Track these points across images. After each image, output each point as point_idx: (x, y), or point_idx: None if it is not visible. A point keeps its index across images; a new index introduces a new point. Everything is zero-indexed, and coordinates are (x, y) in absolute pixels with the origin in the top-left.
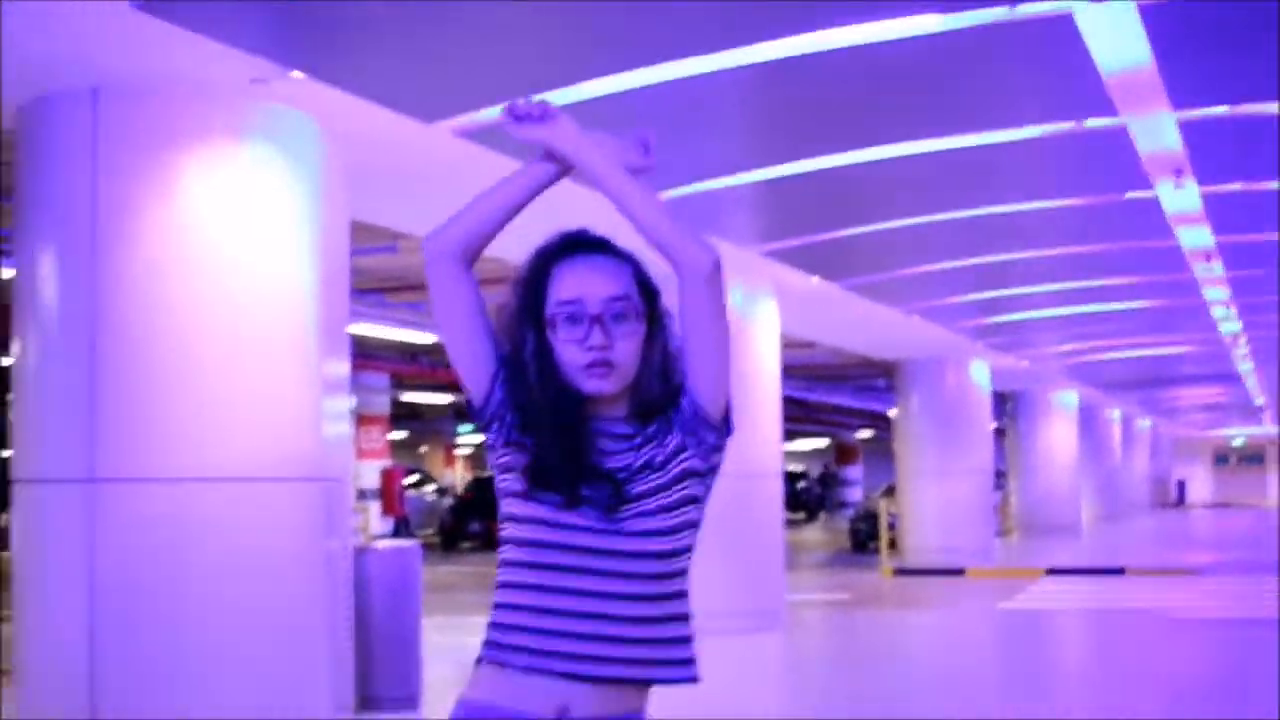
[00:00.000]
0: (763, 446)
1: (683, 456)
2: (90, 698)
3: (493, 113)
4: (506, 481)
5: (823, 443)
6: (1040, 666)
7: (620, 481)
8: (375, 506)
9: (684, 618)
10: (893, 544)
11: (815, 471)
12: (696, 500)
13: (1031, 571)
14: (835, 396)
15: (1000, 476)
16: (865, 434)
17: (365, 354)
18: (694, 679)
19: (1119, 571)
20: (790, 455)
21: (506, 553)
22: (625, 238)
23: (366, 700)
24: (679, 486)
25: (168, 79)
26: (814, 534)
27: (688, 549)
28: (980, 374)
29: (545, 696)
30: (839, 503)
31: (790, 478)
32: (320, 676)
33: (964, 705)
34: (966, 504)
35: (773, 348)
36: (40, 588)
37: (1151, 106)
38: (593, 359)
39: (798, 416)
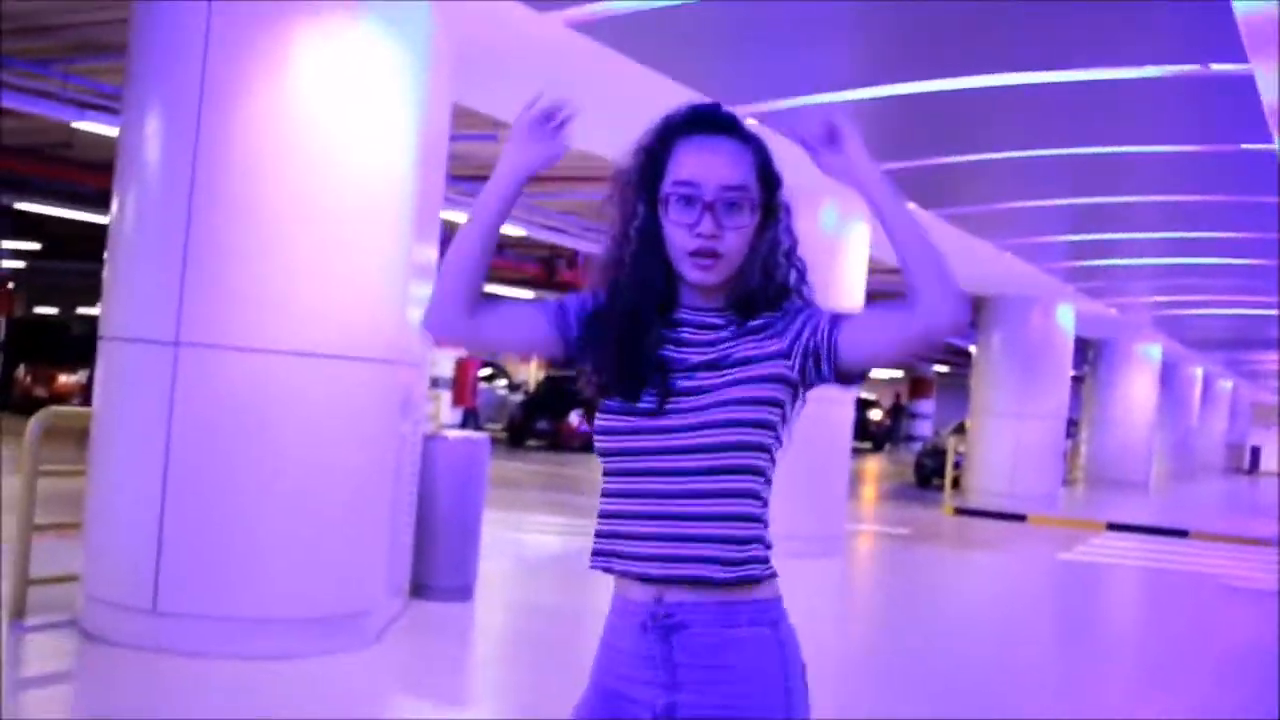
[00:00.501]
0: None
1: (781, 362)
2: (155, 587)
3: (607, 5)
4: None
5: (899, 374)
6: (1088, 621)
7: (669, 371)
8: (447, 396)
9: (749, 518)
10: (956, 482)
11: (887, 402)
12: (777, 404)
13: (1093, 524)
14: None
15: (1073, 425)
16: (942, 369)
17: None
18: (757, 578)
19: (1183, 534)
20: (865, 384)
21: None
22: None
23: (420, 587)
24: (759, 384)
25: None
26: (879, 465)
27: (753, 446)
28: (1066, 318)
29: (641, 590)
30: (907, 435)
31: (861, 406)
32: (378, 560)
33: (1004, 649)
34: (1036, 449)
35: (860, 272)
36: (118, 450)
37: None
38: (699, 246)
39: None
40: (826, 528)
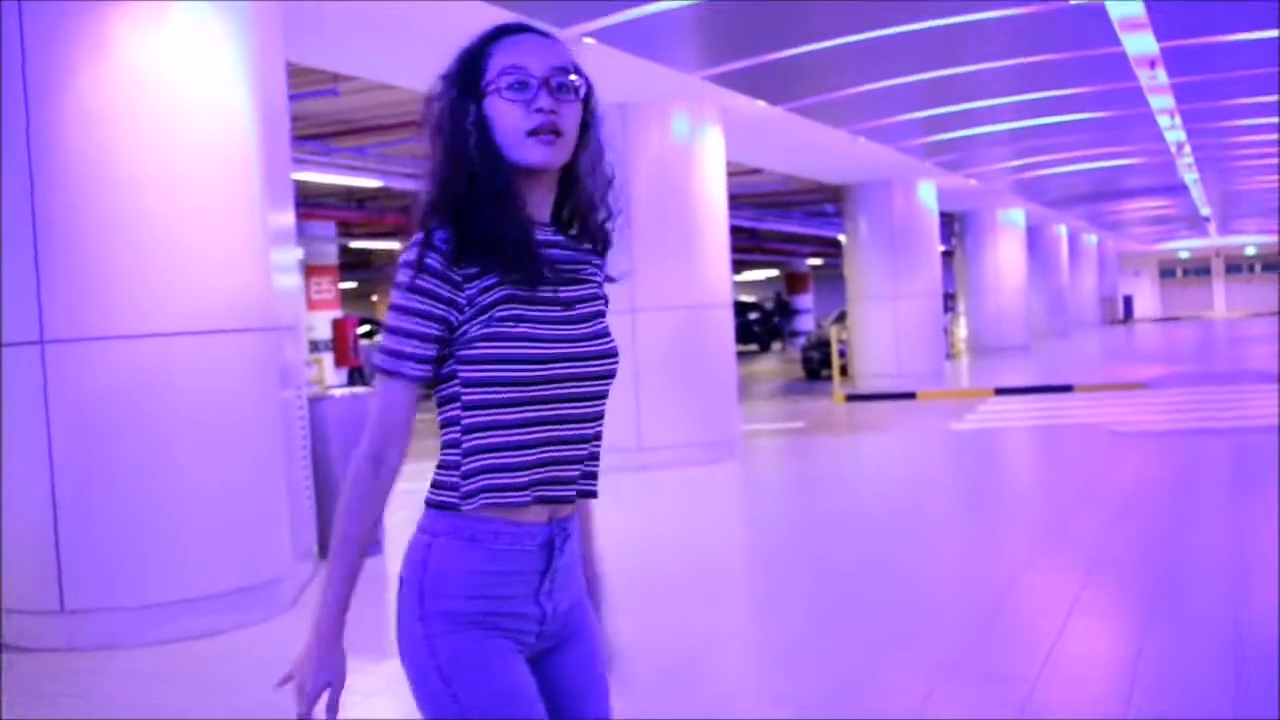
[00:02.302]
0: (712, 278)
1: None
2: (59, 586)
3: None
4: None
5: (774, 273)
6: (984, 484)
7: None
8: (329, 358)
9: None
10: (844, 370)
11: (770, 304)
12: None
13: (981, 392)
14: (784, 224)
15: (950, 299)
16: (816, 262)
17: (310, 203)
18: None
19: (1067, 389)
20: (741, 286)
21: (474, 396)
22: None
23: (328, 548)
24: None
25: None
26: (768, 365)
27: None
28: (928, 195)
29: (538, 512)
30: (792, 333)
31: (740, 309)
32: (281, 526)
33: (910, 523)
34: (916, 327)
35: (719, 177)
36: (2, 455)
37: None
38: (540, 121)
39: (747, 246)
40: (719, 433)
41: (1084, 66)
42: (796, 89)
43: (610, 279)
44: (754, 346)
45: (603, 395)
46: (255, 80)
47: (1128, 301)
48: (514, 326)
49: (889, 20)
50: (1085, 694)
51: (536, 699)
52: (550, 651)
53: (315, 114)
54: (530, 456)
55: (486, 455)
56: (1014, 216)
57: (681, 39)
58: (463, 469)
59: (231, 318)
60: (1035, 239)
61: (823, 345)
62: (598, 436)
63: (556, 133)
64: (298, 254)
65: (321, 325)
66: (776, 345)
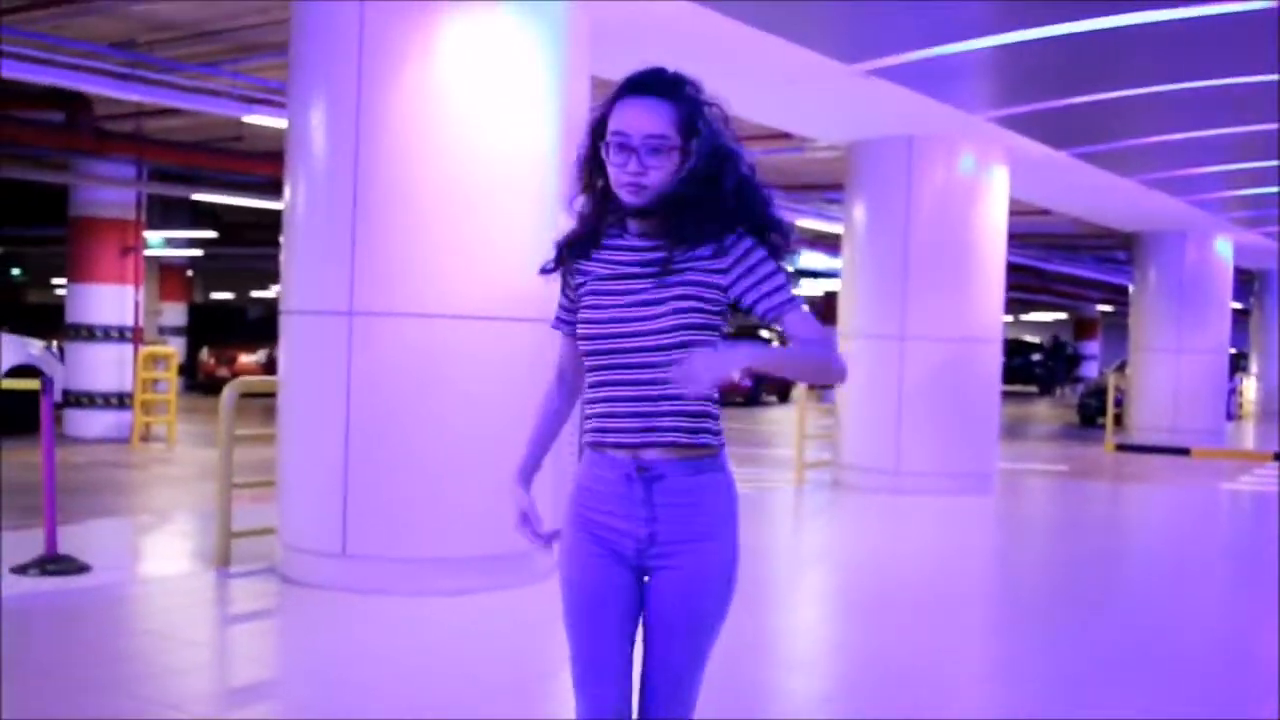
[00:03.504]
0: (984, 313)
1: (708, 278)
2: (343, 532)
3: None
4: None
5: (1063, 316)
6: (1244, 541)
7: (625, 278)
8: None
9: (708, 399)
10: (1118, 420)
11: (1048, 345)
12: (717, 309)
13: (1260, 455)
14: (1072, 267)
15: (1242, 358)
16: (1106, 308)
17: None
18: (709, 445)
19: None
20: (1027, 326)
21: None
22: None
23: None
24: (686, 292)
25: None
26: (1044, 408)
27: (690, 342)
28: (1224, 250)
29: (622, 459)
30: (1075, 378)
31: (1023, 349)
32: (543, 500)
33: (1155, 571)
34: (1198, 383)
35: (1001, 215)
36: (302, 413)
37: None
38: (629, 180)
39: (1033, 286)
40: (977, 465)
41: None
42: (1084, 135)
43: (713, 271)
44: (1034, 388)
45: (648, 365)
46: (561, 90)
47: None
48: (586, 309)
49: (1190, 75)
50: None
51: (592, 595)
52: (652, 571)
53: None
54: (600, 407)
55: (587, 403)
56: None
57: (966, 80)
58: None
59: (517, 308)
60: None
61: (1101, 393)
62: (663, 397)
63: (641, 187)
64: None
65: None
66: (1060, 390)
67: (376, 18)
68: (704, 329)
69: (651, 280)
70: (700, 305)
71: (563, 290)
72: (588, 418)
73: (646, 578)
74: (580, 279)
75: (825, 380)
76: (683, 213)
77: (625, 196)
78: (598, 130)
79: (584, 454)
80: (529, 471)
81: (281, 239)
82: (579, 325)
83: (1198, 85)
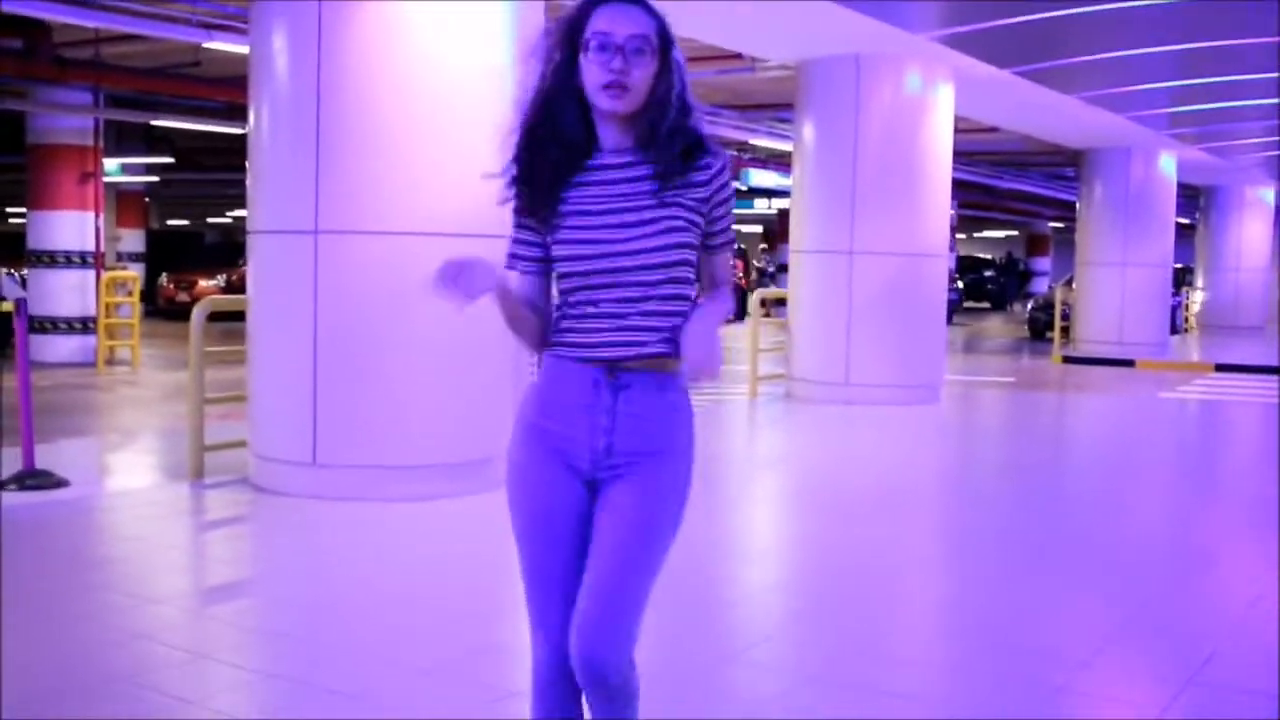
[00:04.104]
0: (930, 229)
1: (691, 198)
2: (314, 442)
3: None
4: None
5: (1014, 233)
6: (1174, 447)
7: (611, 200)
8: None
9: (681, 314)
10: (1066, 333)
11: (1000, 262)
12: (694, 225)
13: (1202, 366)
14: (1022, 184)
15: (1187, 273)
16: (1058, 225)
17: None
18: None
19: None
20: (979, 244)
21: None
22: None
23: None
24: (675, 213)
25: None
26: (998, 324)
27: (681, 262)
28: (1168, 166)
29: (593, 369)
30: (1027, 293)
31: (974, 265)
32: (503, 410)
33: (1086, 475)
34: (1143, 297)
35: (946, 133)
36: (271, 330)
37: None
38: (610, 79)
39: (985, 204)
40: (925, 376)
41: None
42: (1026, 53)
43: (683, 186)
44: (987, 304)
45: (639, 283)
46: (515, 10)
47: None
48: (570, 231)
49: None
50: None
51: (544, 506)
52: (605, 482)
53: None
54: (581, 323)
55: (559, 317)
56: (1263, 194)
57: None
58: (552, 322)
59: (478, 223)
60: None
61: (1050, 307)
62: (653, 314)
63: (624, 87)
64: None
65: None
66: (1012, 306)
67: None
68: (691, 247)
69: (646, 197)
70: (692, 222)
71: (520, 226)
72: (560, 332)
73: (598, 492)
74: (561, 205)
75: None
76: (667, 125)
77: (606, 100)
78: (571, 36)
79: (544, 364)
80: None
81: (247, 162)
82: (564, 249)
83: (1138, 4)
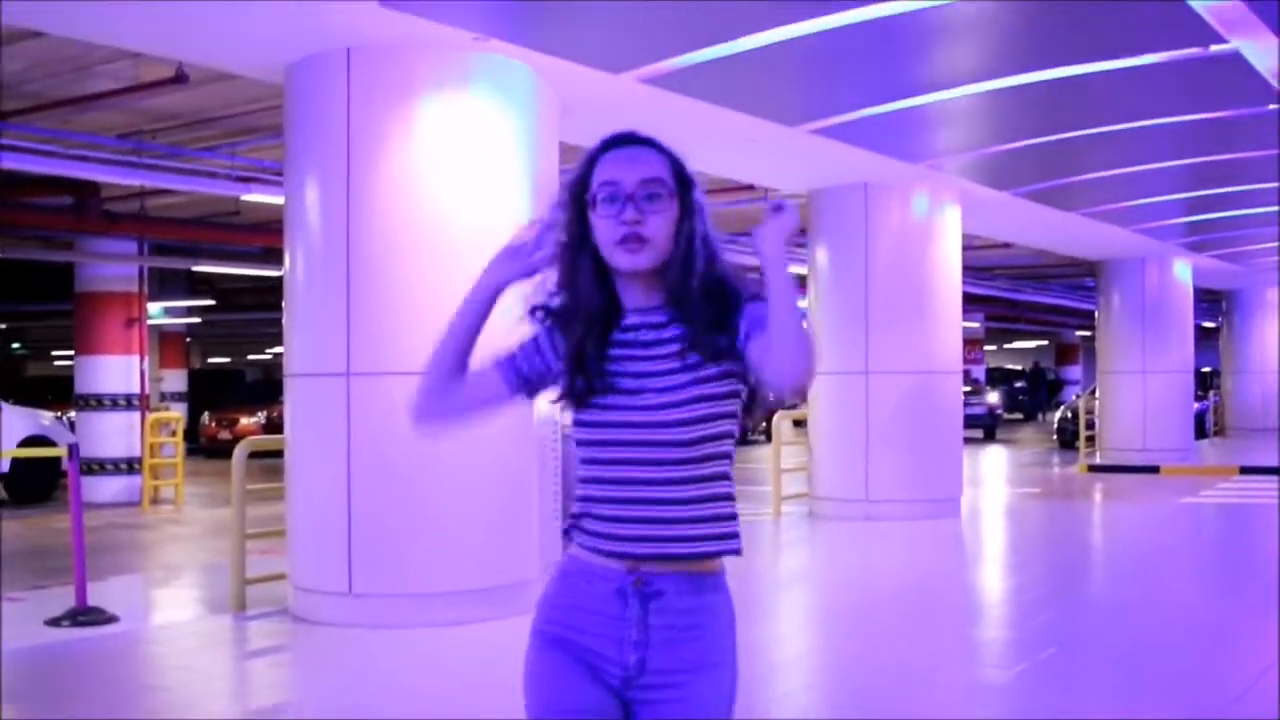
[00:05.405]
0: (942, 345)
1: (729, 361)
2: (349, 573)
3: (672, 61)
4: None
5: (1044, 343)
6: (1195, 548)
7: (629, 375)
8: None
9: (724, 498)
10: (1091, 441)
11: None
12: (734, 395)
13: (1226, 470)
14: (1043, 295)
15: (1214, 376)
16: (1084, 333)
17: None
18: (737, 552)
19: None
20: (1009, 355)
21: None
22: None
23: None
24: (716, 380)
25: (406, 39)
26: (1029, 433)
27: (718, 436)
28: (1183, 273)
29: (620, 565)
30: (1057, 402)
31: (1006, 376)
32: (531, 538)
33: (1103, 582)
34: (1165, 403)
35: (955, 252)
36: (307, 467)
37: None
38: (625, 233)
39: (1009, 316)
40: (943, 491)
41: None
42: (1026, 176)
43: (720, 351)
44: (1019, 415)
45: (674, 461)
46: (532, 157)
47: None
48: (593, 410)
49: (1127, 116)
50: None
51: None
52: (640, 704)
53: None
54: (602, 509)
55: (582, 501)
56: None
57: (907, 134)
58: (571, 508)
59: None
60: None
61: (1077, 416)
62: (689, 500)
63: (640, 239)
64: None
65: None
66: (1043, 416)
67: (362, 104)
68: (732, 417)
69: (676, 361)
70: (732, 389)
71: (533, 351)
72: (578, 516)
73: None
74: (588, 380)
75: (802, 349)
76: (697, 277)
77: (623, 258)
78: (578, 193)
79: (562, 563)
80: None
81: (283, 307)
82: (586, 431)
83: (1131, 126)
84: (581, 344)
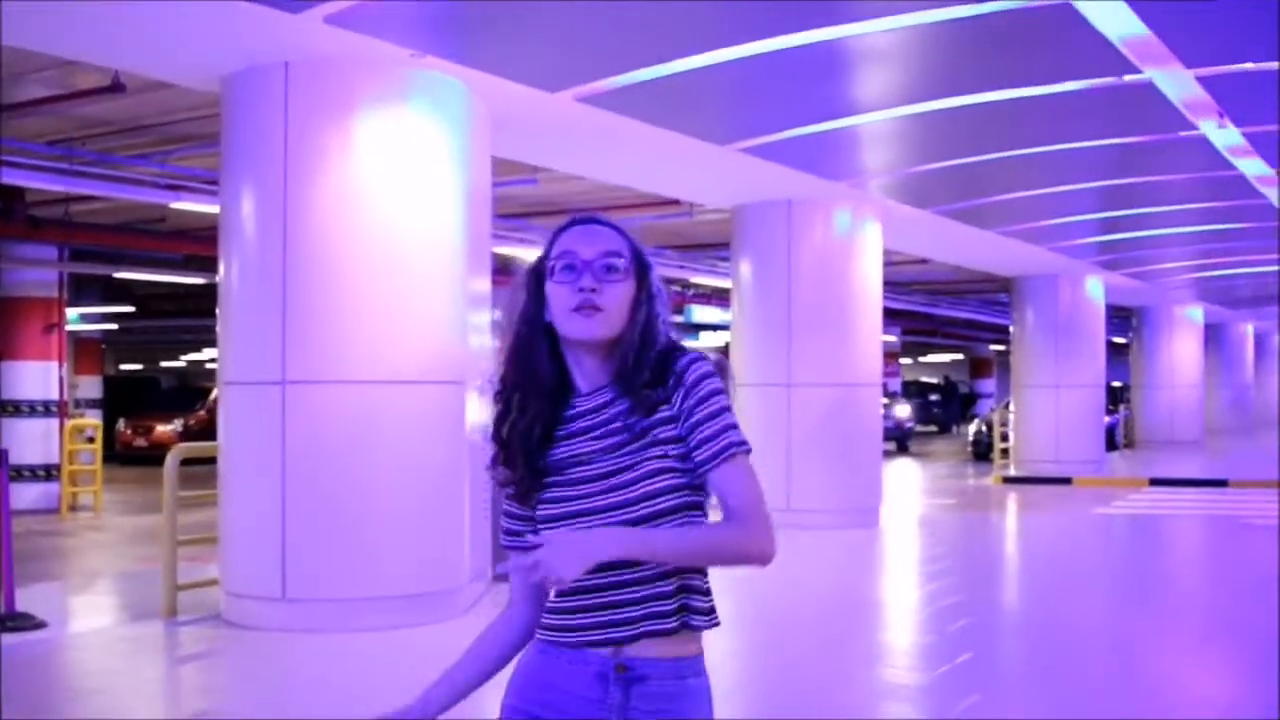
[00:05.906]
0: (863, 359)
1: (667, 428)
2: (283, 578)
3: (609, 81)
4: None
5: (959, 357)
6: (1106, 559)
7: (579, 462)
8: None
9: (697, 569)
10: (1005, 454)
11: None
12: (675, 471)
13: (1136, 481)
14: (959, 310)
15: (1124, 390)
16: (998, 348)
17: (510, 273)
18: (716, 624)
19: (1222, 483)
20: (925, 368)
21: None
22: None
23: (501, 576)
24: (656, 453)
25: (344, 54)
26: (943, 445)
27: (686, 507)
28: (1095, 290)
29: (599, 655)
30: (971, 415)
31: (921, 389)
32: (461, 547)
33: (1018, 589)
34: (1078, 417)
35: (875, 268)
36: (242, 473)
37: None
38: (581, 300)
39: (926, 330)
40: (862, 501)
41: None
42: (944, 195)
43: (655, 402)
44: (934, 427)
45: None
46: (466, 170)
47: None
48: (548, 495)
49: (1039, 140)
50: None
51: None
52: None
53: (514, 197)
54: (566, 601)
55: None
56: (1192, 314)
57: (829, 154)
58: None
59: (434, 371)
60: (1219, 336)
61: (991, 429)
62: (663, 576)
63: (596, 308)
64: (491, 316)
65: None
66: (957, 428)
67: (299, 116)
68: (691, 488)
69: (624, 437)
70: (681, 456)
71: (510, 496)
72: (547, 611)
73: None
74: (539, 466)
75: (739, 564)
76: (645, 366)
77: (577, 325)
78: (537, 271)
79: (532, 648)
80: (432, 694)
81: (218, 315)
82: (543, 515)
83: (1048, 149)
84: (530, 428)
